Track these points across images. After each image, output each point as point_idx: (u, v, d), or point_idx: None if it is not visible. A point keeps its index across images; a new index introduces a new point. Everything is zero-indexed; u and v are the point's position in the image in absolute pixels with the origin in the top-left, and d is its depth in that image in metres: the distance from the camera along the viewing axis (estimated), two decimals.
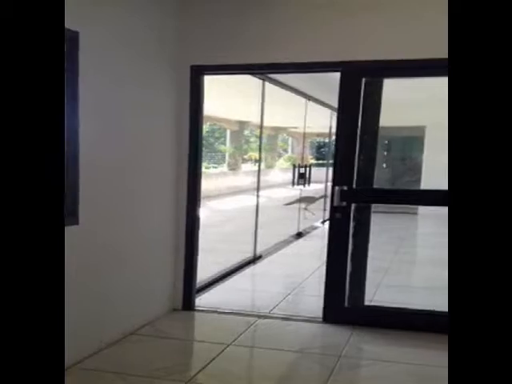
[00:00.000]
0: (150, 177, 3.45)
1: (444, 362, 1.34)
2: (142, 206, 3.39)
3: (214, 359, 2.92)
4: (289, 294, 4.34)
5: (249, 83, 6.61)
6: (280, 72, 3.91)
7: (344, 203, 3.50)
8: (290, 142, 24.16)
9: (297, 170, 7.93)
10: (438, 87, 2.81)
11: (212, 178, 14.86)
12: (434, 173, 3.91)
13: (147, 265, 3.50)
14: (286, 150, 24.40)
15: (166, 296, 3.81)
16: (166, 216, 3.70)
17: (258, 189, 6.11)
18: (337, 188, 3.49)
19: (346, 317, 3.52)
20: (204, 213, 4.16)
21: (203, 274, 4.12)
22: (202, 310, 3.86)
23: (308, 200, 8.87)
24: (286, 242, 6.91)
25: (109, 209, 3.06)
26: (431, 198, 3.58)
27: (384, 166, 17.97)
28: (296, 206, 9.11)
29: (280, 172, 19.57)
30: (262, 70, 3.67)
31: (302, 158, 12.63)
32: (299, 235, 7.53)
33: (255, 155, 20.64)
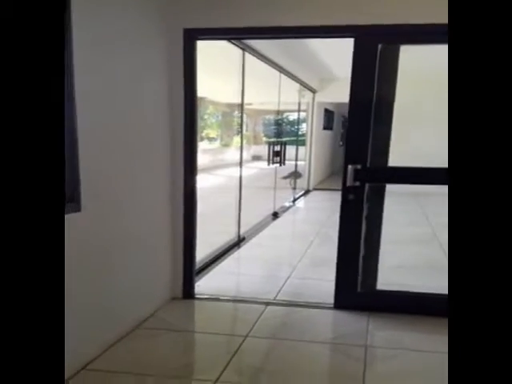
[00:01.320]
0: (146, 154, 3.09)
1: None
2: (141, 187, 3.05)
3: (235, 353, 2.71)
4: (288, 277, 4.17)
5: (220, 54, 6.26)
6: (286, 37, 3.59)
7: (357, 183, 3.33)
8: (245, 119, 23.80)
9: (271, 147, 7.69)
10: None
11: None
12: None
13: (148, 252, 3.19)
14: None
15: (166, 284, 3.52)
16: (163, 199, 3.38)
17: (240, 164, 5.79)
18: (350, 167, 3.31)
19: (358, 302, 3.40)
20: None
21: None
22: (203, 298, 3.61)
23: (295, 176, 9.02)
24: (264, 223, 6.72)
25: (110, 192, 2.72)
26: None
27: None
28: (266, 184, 8.93)
29: (237, 151, 19.24)
30: (265, 33, 3.33)
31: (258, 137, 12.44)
32: (275, 215, 7.36)
33: (212, 133, 20.23)
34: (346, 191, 3.36)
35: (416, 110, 8.48)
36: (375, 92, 3.25)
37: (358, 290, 3.43)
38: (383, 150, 3.42)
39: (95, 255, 2.60)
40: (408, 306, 3.37)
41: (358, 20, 3.11)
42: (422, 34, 3.20)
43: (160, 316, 3.22)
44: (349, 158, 3.32)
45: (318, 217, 7.38)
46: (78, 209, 2.42)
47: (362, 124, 3.29)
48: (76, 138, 2.34)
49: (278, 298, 3.66)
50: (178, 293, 3.61)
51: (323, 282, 4.02)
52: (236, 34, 3.62)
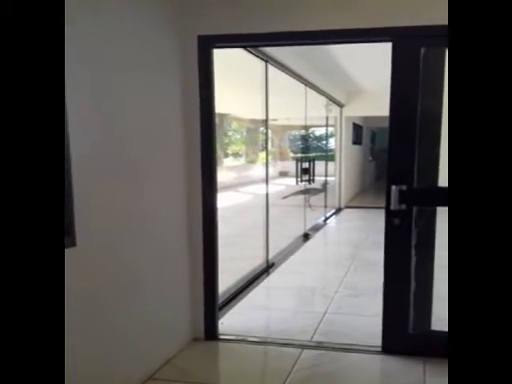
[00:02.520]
0: (156, 175, 2.70)
1: None
2: (152, 214, 2.65)
3: None
4: (325, 313, 3.68)
5: (243, 67, 5.91)
6: (312, 43, 3.18)
7: (403, 206, 2.85)
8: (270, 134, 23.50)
9: (299, 164, 7.23)
10: None
11: None
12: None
13: (160, 288, 2.78)
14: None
15: (186, 324, 3.10)
16: (178, 224, 2.97)
17: (267, 181, 5.35)
18: (394, 188, 2.84)
19: (411, 345, 2.89)
20: None
21: None
22: (229, 340, 3.16)
23: (312, 192, 8.07)
24: (294, 246, 6.24)
25: (113, 222, 2.32)
26: None
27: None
28: (296, 202, 8.46)
29: (262, 167, 18.89)
30: (289, 40, 2.93)
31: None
32: (306, 237, 6.87)
33: (237, 149, 20.00)
34: (390, 215, 2.88)
35: None
36: (419, 102, 2.80)
37: (410, 330, 2.92)
38: (431, 168, 2.95)
39: (91, 296, 2.19)
40: None
41: (395, 21, 2.68)
42: None
43: (179, 363, 2.78)
44: (392, 178, 2.86)
45: (352, 238, 6.85)
46: (72, 243, 2.03)
47: (406, 139, 2.84)
48: (69, 159, 1.96)
49: (314, 338, 3.18)
50: (200, 333, 3.18)
51: (365, 318, 3.52)
52: (256, 41, 3.22)
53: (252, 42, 3.24)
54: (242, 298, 4.01)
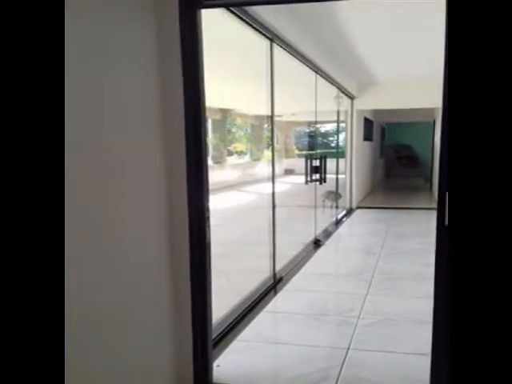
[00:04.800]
0: (122, 178, 1.98)
1: None
2: (114, 228, 1.93)
3: None
4: (347, 349, 2.94)
5: (242, 53, 5.18)
6: None
7: None
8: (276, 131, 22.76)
9: (309, 162, 6.44)
10: None
11: None
12: None
13: (129, 326, 2.04)
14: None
15: (168, 370, 2.37)
16: (155, 242, 2.24)
17: (273, 180, 4.57)
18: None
19: None
20: None
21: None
22: None
23: (331, 197, 7.24)
24: (305, 255, 5.49)
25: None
26: None
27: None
28: (303, 203, 7.70)
29: (268, 165, 18.15)
30: None
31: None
32: (317, 243, 6.12)
33: (240, 147, 19.29)
34: (443, 232, 2.14)
35: None
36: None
37: None
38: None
39: None
40: None
41: None
42: None
43: None
44: (445, 182, 2.12)
45: (369, 244, 6.10)
46: None
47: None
48: None
49: None
50: (188, 381, 2.45)
51: (399, 356, 2.79)
52: None
53: None
54: (243, 329, 3.28)
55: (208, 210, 2.38)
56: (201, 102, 2.22)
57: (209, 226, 2.40)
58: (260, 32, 3.64)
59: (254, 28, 3.45)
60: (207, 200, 2.37)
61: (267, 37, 3.87)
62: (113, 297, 1.89)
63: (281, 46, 4.26)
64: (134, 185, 2.02)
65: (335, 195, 6.84)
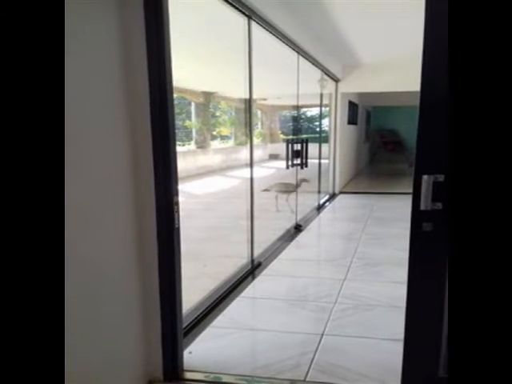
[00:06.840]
0: (80, 166, 1.87)
1: None
2: (74, 221, 1.82)
3: None
4: (322, 334, 2.89)
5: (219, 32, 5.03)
6: None
7: (439, 205, 2.05)
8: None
9: (290, 146, 6.34)
10: None
11: (179, 158, 13.13)
12: None
13: (94, 319, 1.95)
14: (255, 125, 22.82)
15: (136, 362, 2.29)
16: (120, 231, 2.14)
17: (251, 165, 4.49)
18: (425, 178, 2.03)
19: None
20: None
21: (186, 299, 2.56)
22: (196, 381, 2.37)
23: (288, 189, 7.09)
24: (285, 240, 5.44)
25: None
26: None
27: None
28: (286, 188, 7.62)
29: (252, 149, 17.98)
30: None
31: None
32: (298, 228, 6.06)
33: (225, 131, 19.07)
34: (418, 217, 2.07)
35: None
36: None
37: (440, 373, 2.14)
38: None
39: None
40: None
41: None
42: None
43: None
44: (422, 165, 2.04)
45: (351, 230, 6.06)
46: None
47: (442, 114, 2.00)
48: None
49: (310, 374, 2.40)
50: (158, 372, 2.38)
51: (374, 342, 2.75)
52: None
53: None
54: (218, 315, 3.21)
55: (177, 194, 2.28)
56: (167, 80, 2.10)
57: (178, 211, 2.31)
58: (237, 8, 3.51)
59: (230, 4, 3.32)
60: (176, 183, 2.27)
61: (245, 13, 3.74)
62: (76, 286, 1.79)
63: (260, 24, 4.12)
64: (97, 170, 1.91)
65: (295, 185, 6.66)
